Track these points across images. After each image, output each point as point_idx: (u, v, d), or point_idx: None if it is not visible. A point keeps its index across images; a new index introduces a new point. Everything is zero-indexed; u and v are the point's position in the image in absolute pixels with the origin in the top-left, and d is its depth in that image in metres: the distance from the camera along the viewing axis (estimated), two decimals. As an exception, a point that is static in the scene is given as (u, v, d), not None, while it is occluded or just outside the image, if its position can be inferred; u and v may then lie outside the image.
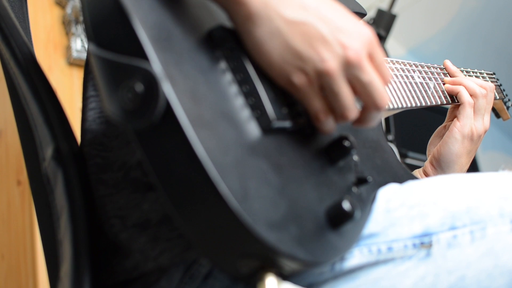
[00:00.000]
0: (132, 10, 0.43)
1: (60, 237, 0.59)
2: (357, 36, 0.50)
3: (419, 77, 0.87)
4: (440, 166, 0.87)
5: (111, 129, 0.62)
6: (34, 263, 1.45)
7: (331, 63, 0.49)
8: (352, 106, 0.52)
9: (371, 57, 0.52)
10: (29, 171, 0.72)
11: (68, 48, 1.73)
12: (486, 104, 0.89)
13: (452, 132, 0.87)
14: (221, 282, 0.55)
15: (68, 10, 1.75)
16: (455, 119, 0.88)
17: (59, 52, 1.74)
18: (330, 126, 0.53)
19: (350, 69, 0.50)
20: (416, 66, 0.89)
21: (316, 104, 0.51)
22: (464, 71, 1.00)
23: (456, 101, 0.92)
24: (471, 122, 0.87)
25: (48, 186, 0.62)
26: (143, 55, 0.42)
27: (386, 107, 0.54)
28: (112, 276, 0.58)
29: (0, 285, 1.50)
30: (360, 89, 0.51)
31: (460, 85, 0.90)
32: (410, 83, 0.84)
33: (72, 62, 1.72)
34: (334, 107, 0.52)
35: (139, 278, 0.57)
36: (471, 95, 0.89)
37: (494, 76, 1.09)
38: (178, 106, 0.41)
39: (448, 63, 0.96)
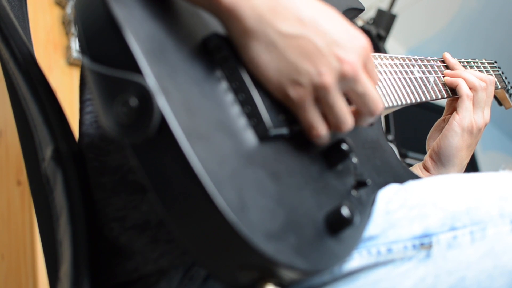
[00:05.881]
0: (125, 22, 0.42)
1: (60, 238, 0.59)
2: (352, 49, 0.51)
3: (418, 72, 0.86)
4: (440, 160, 0.86)
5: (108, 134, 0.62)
6: (34, 263, 1.45)
7: (328, 77, 0.49)
8: (347, 119, 0.52)
9: (365, 66, 0.53)
10: (29, 171, 0.72)
11: (68, 48, 1.73)
12: (486, 97, 0.88)
13: (452, 125, 0.85)
14: (220, 284, 0.54)
15: (68, 10, 1.75)
16: (454, 112, 0.87)
17: (59, 52, 1.74)
18: (324, 138, 0.53)
19: (346, 82, 0.51)
20: (416, 61, 0.88)
21: (311, 117, 0.51)
22: (465, 62, 1.00)
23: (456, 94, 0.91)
24: (471, 115, 0.85)
25: (47, 186, 0.62)
26: (136, 69, 0.41)
27: (380, 113, 0.55)
28: (112, 277, 0.58)
29: (0, 285, 1.50)
30: (355, 98, 0.53)
31: (459, 77, 0.89)
32: (410, 78, 0.83)
33: (72, 62, 1.72)
34: (329, 119, 0.52)
35: (138, 279, 0.57)
36: (470, 88, 0.87)
37: (495, 65, 1.08)
38: (173, 120, 0.40)
39: (448, 55, 0.95)
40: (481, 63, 1.04)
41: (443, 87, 0.89)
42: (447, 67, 0.94)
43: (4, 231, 1.55)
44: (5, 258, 1.53)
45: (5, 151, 1.62)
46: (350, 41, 0.51)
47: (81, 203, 0.58)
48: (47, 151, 0.61)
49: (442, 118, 0.95)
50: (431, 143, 0.92)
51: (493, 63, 1.07)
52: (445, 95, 0.89)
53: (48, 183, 0.62)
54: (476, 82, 0.87)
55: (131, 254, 0.57)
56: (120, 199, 0.59)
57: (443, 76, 0.91)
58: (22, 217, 1.52)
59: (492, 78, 0.90)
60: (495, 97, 1.08)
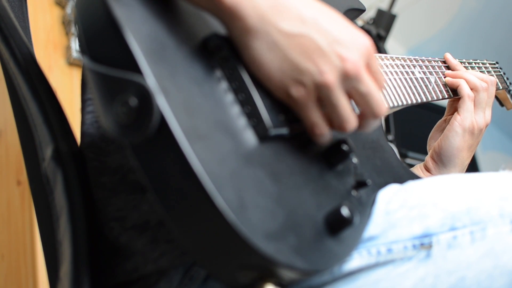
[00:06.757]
0: (125, 22, 0.42)
1: (60, 238, 0.59)
2: (355, 48, 0.50)
3: (419, 72, 0.86)
4: (441, 160, 0.86)
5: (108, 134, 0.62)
6: (34, 263, 1.45)
7: (330, 76, 0.49)
8: (350, 118, 0.52)
9: (368, 66, 0.52)
10: (29, 171, 0.72)
11: (68, 48, 1.73)
12: (487, 98, 0.88)
13: (453, 126, 0.85)
14: (220, 284, 0.54)
15: (68, 10, 1.75)
16: (456, 113, 0.87)
17: (59, 52, 1.74)
18: (326, 137, 0.53)
19: (348, 80, 0.50)
20: (417, 61, 0.88)
21: (313, 116, 0.51)
22: (466, 62, 1.00)
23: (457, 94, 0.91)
24: (472, 116, 0.86)
25: (47, 186, 0.62)
26: (136, 69, 0.41)
27: (383, 115, 0.54)
28: (112, 277, 0.58)
29: (0, 285, 1.50)
30: (358, 99, 0.52)
31: (460, 78, 0.89)
32: (411, 79, 0.83)
33: (72, 62, 1.72)
34: (332, 119, 0.52)
35: (138, 280, 0.57)
36: (471, 89, 0.87)
37: (496, 65, 1.08)
38: (172, 120, 0.40)
39: (449, 56, 0.95)
40: (483, 63, 1.03)
41: (444, 87, 0.89)
42: (448, 67, 0.94)
43: (4, 231, 1.55)
44: (5, 258, 1.53)
45: (5, 151, 1.62)
46: (352, 40, 0.51)
47: (81, 203, 0.58)
48: (47, 151, 0.61)
49: (443, 118, 0.95)
50: (432, 144, 0.92)
51: (494, 64, 1.07)
52: (446, 96, 0.89)
53: (48, 183, 0.62)
54: (477, 82, 0.87)
55: (130, 254, 0.57)
56: (120, 199, 0.59)
57: (444, 77, 0.91)
58: (22, 217, 1.52)
59: (493, 79, 0.90)
60: (497, 98, 1.09)
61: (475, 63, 1.02)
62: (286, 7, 0.50)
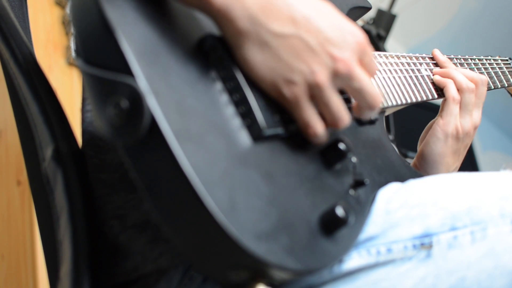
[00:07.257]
0: (117, 24, 0.43)
1: (60, 238, 0.59)
2: (346, 46, 0.51)
3: (426, 70, 0.84)
4: (423, 167, 0.81)
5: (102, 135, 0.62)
6: (34, 263, 1.45)
7: (321, 75, 0.49)
8: (342, 116, 0.52)
9: (361, 61, 0.53)
10: (29, 171, 0.72)
11: (68, 48, 1.73)
12: (476, 99, 0.81)
13: (434, 131, 0.80)
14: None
15: (68, 10, 1.75)
16: (438, 117, 0.81)
17: (59, 52, 1.74)
18: (320, 137, 0.53)
19: (340, 79, 0.51)
20: (424, 59, 0.86)
21: (306, 115, 0.51)
22: (477, 59, 0.95)
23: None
24: (456, 120, 0.79)
25: (48, 186, 0.62)
26: (128, 71, 0.41)
27: (379, 106, 0.55)
28: (112, 277, 0.58)
29: (0, 285, 1.50)
30: (353, 94, 0.53)
31: (448, 78, 0.82)
32: (416, 76, 0.81)
33: (72, 62, 1.72)
34: (325, 117, 0.52)
35: (138, 279, 0.57)
36: (458, 89, 0.81)
37: (509, 62, 1.04)
38: (163, 121, 0.40)
39: (437, 52, 0.88)
40: (494, 60, 1.00)
41: (433, 86, 0.84)
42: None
43: (4, 231, 1.55)
44: (5, 258, 1.53)
45: (5, 151, 1.62)
46: (343, 38, 0.51)
47: (81, 203, 0.58)
48: (48, 151, 0.61)
49: (435, 119, 0.88)
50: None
51: (507, 60, 1.05)
52: (436, 96, 0.84)
53: (48, 183, 0.62)
54: (463, 83, 0.81)
55: (130, 254, 0.57)
56: (120, 197, 0.59)
57: (433, 75, 0.85)
58: (22, 217, 1.52)
59: (485, 78, 0.84)
60: (511, 95, 1.06)
61: (486, 59, 0.98)
62: (277, 7, 0.50)
